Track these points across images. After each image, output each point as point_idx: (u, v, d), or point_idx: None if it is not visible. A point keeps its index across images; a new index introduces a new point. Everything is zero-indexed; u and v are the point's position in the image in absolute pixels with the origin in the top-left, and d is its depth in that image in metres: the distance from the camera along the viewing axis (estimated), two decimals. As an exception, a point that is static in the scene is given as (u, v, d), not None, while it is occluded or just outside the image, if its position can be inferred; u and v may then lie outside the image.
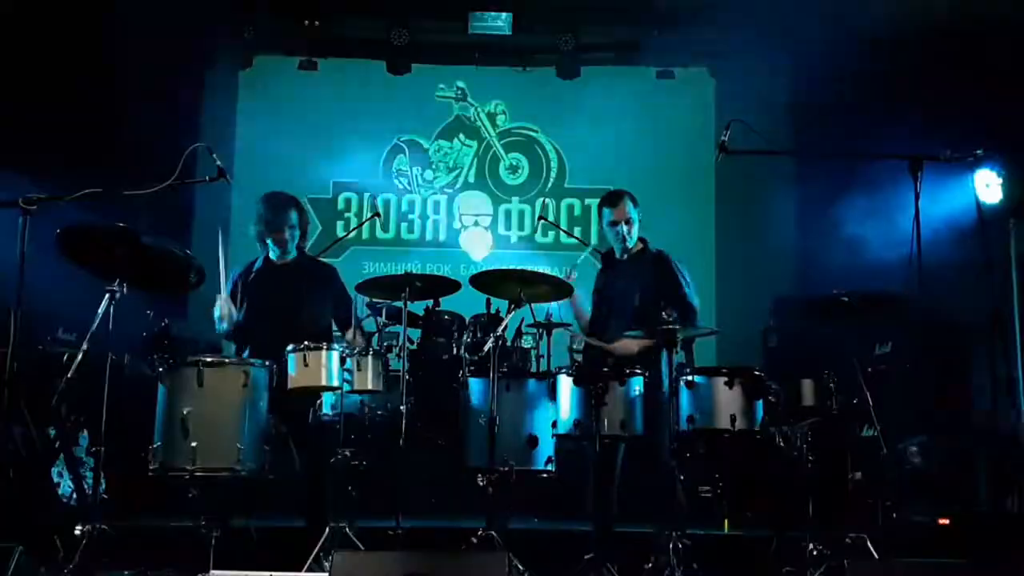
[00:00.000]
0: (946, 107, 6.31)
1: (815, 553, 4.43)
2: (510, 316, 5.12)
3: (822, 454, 4.85)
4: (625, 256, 4.94)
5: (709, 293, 5.56)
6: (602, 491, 4.64)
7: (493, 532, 4.34)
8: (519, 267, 4.94)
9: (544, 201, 8.23)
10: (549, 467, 4.52)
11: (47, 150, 6.62)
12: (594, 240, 8.61)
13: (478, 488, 4.44)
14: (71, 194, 3.98)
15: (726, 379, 4.38)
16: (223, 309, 4.64)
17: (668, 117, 8.88)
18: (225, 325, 4.67)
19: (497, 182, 8.98)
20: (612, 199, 4.91)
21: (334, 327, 5.00)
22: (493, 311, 6.57)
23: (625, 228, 4.84)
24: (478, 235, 8.88)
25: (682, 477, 4.55)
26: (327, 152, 8.68)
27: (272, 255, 4.87)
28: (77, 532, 3.86)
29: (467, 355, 6.51)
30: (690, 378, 4.44)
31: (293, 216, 4.83)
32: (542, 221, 7.03)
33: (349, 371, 4.46)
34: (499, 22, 8.40)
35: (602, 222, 4.95)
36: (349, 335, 4.92)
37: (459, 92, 9.03)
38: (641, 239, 4.94)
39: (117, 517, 4.63)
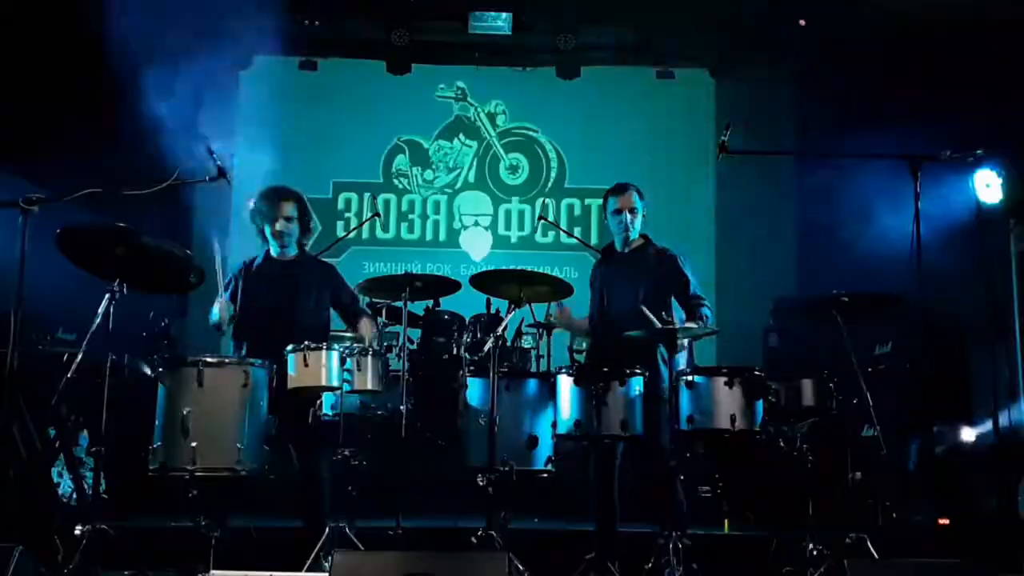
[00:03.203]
0: (946, 107, 6.31)
1: (815, 553, 4.43)
2: (510, 316, 5.12)
3: (822, 454, 4.85)
4: (626, 249, 4.92)
5: (709, 293, 5.58)
6: (604, 490, 4.64)
7: (493, 532, 4.34)
8: (519, 267, 4.93)
9: (544, 201, 8.22)
10: (549, 467, 4.52)
11: (47, 150, 6.62)
12: (594, 240, 8.62)
13: (478, 488, 4.44)
14: (71, 194, 3.99)
15: (726, 379, 4.38)
16: (223, 314, 4.59)
17: (668, 117, 8.89)
18: (224, 327, 4.64)
19: (497, 182, 8.99)
20: (617, 188, 4.91)
21: (334, 324, 4.97)
22: (493, 311, 6.58)
23: (628, 217, 4.82)
24: (478, 235, 8.88)
25: (682, 477, 4.56)
26: (327, 152, 8.70)
27: (273, 251, 4.81)
28: (77, 532, 3.86)
29: (467, 355, 6.52)
30: (690, 378, 4.44)
31: (289, 208, 4.74)
32: (542, 221, 7.02)
33: (349, 371, 4.45)
34: (499, 22, 8.40)
35: (606, 211, 4.93)
36: (362, 327, 4.88)
37: (459, 92, 9.03)
38: (643, 235, 4.93)
39: (117, 517, 4.63)
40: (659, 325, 4.30)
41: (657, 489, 4.48)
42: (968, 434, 6.03)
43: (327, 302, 4.87)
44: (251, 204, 4.80)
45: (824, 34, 7.98)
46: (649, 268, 4.74)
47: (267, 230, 4.75)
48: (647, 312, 4.34)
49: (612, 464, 4.61)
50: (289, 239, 4.77)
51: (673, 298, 4.60)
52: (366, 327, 4.85)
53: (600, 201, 8.73)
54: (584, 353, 6.28)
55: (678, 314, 4.52)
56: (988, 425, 5.96)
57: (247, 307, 4.67)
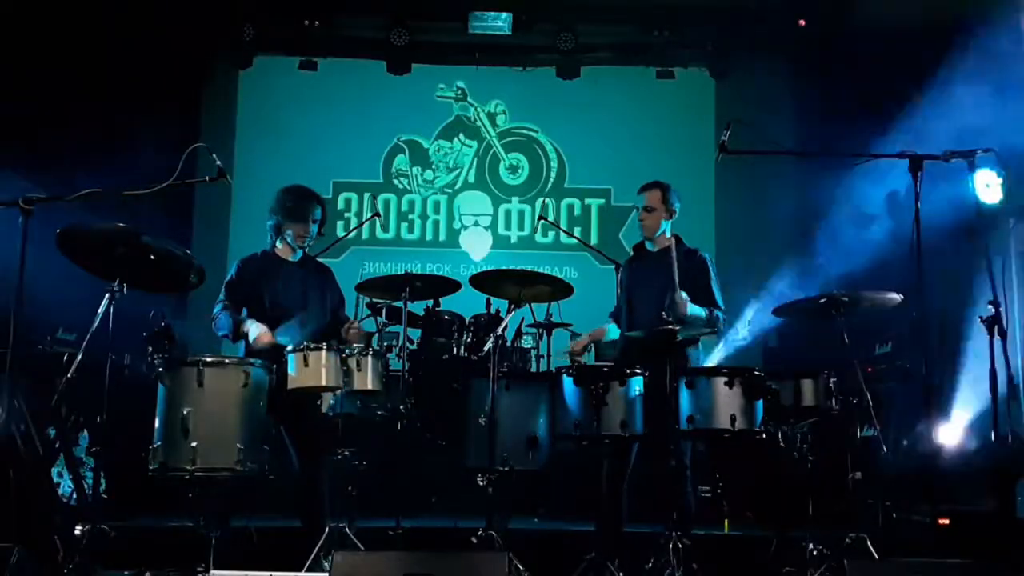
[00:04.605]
0: (946, 107, 6.31)
1: (815, 553, 4.43)
2: (510, 316, 5.12)
3: (822, 454, 4.84)
4: (655, 249, 4.93)
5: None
6: (612, 491, 4.64)
7: (493, 532, 4.34)
8: (519, 267, 4.93)
9: (544, 201, 8.24)
10: (549, 467, 4.52)
11: (47, 150, 6.62)
12: (594, 240, 8.63)
13: (478, 488, 4.44)
14: (71, 194, 3.99)
15: (726, 379, 4.38)
16: (263, 340, 4.58)
17: (668, 117, 8.90)
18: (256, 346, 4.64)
19: (497, 182, 8.99)
20: (644, 187, 4.95)
21: None
22: (493, 311, 6.58)
23: (646, 215, 4.87)
24: (478, 235, 8.89)
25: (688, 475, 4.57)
26: (327, 152, 8.71)
27: (279, 250, 4.83)
28: (77, 532, 3.86)
29: (467, 355, 6.52)
30: (690, 378, 4.44)
31: (317, 211, 4.81)
32: (542, 221, 7.03)
33: (349, 371, 4.45)
34: (499, 22, 8.41)
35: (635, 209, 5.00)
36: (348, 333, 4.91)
37: (459, 92, 9.03)
38: (675, 235, 4.94)
39: (117, 517, 4.63)
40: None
41: (668, 486, 4.46)
42: (947, 435, 6.03)
43: (330, 305, 4.92)
44: (278, 200, 4.80)
45: (824, 34, 7.99)
46: (674, 269, 4.73)
47: (290, 229, 4.75)
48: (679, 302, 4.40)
49: (625, 464, 4.61)
50: (310, 241, 4.83)
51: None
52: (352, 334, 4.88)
53: (601, 201, 8.90)
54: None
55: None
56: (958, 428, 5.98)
57: (274, 308, 4.67)
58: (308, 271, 4.87)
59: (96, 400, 3.96)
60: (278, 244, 4.82)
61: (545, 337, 6.54)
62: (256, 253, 4.86)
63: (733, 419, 4.34)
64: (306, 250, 4.91)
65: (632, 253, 5.13)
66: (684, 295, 4.54)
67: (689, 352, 4.74)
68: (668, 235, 4.93)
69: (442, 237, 8.90)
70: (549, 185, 8.97)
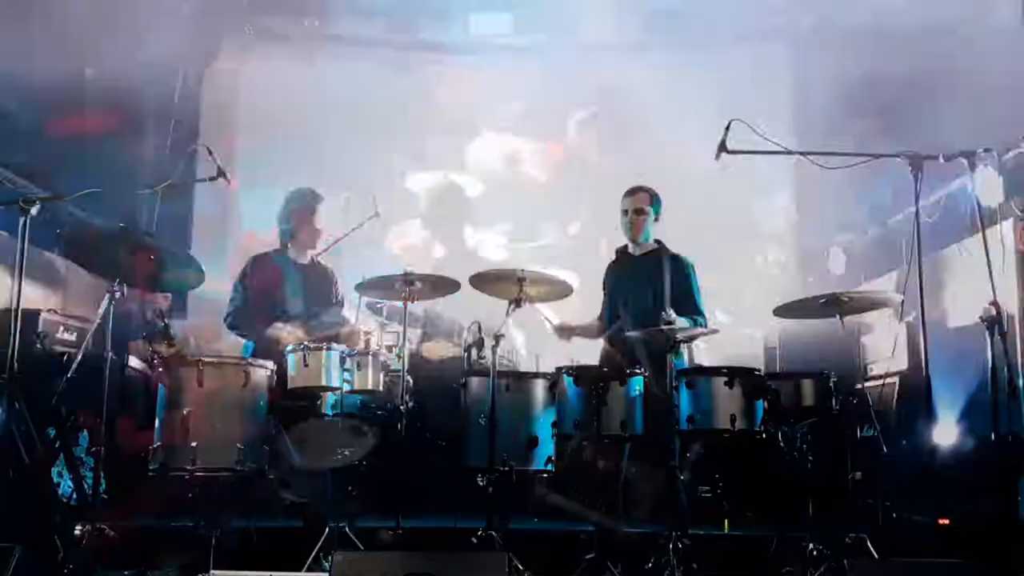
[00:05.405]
0: (946, 107, 6.31)
1: (815, 553, 4.43)
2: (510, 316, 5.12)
3: (822, 454, 4.84)
4: (638, 252, 4.98)
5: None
6: (611, 490, 4.64)
7: (493, 532, 4.34)
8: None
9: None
10: (549, 467, 4.52)
11: (47, 150, 6.60)
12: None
13: (478, 488, 4.44)
14: (71, 194, 4.00)
15: (726, 379, 4.38)
16: (287, 338, 4.66)
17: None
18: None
19: (497, 182, 8.99)
20: (630, 190, 5.04)
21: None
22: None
23: (634, 219, 4.92)
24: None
25: (683, 477, 4.56)
26: (328, 152, 8.69)
27: (290, 251, 4.95)
28: (77, 532, 3.86)
29: (467, 355, 6.51)
30: (690, 378, 4.45)
31: (320, 215, 4.96)
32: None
33: (349, 371, 4.46)
34: (499, 22, 8.41)
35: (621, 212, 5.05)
36: (347, 334, 4.95)
37: (459, 92, 9.02)
38: (657, 240, 4.99)
39: (117, 517, 4.64)
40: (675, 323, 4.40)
41: (660, 489, 4.47)
42: (946, 435, 6.04)
43: (332, 306, 5.00)
44: (286, 205, 4.85)
45: (824, 32, 7.99)
46: (660, 272, 4.76)
47: (300, 230, 4.81)
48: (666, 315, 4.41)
49: (618, 464, 4.61)
50: (320, 242, 4.95)
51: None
52: (351, 336, 4.92)
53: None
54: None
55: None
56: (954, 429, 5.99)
57: (282, 307, 4.72)
58: (315, 273, 4.95)
59: (96, 400, 3.95)
60: (289, 245, 4.90)
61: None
62: (268, 252, 4.94)
63: (733, 419, 4.35)
64: (314, 254, 4.98)
65: (615, 256, 5.17)
66: (672, 313, 4.56)
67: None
68: (651, 239, 4.98)
69: (442, 237, 8.90)
70: (549, 185, 8.97)
